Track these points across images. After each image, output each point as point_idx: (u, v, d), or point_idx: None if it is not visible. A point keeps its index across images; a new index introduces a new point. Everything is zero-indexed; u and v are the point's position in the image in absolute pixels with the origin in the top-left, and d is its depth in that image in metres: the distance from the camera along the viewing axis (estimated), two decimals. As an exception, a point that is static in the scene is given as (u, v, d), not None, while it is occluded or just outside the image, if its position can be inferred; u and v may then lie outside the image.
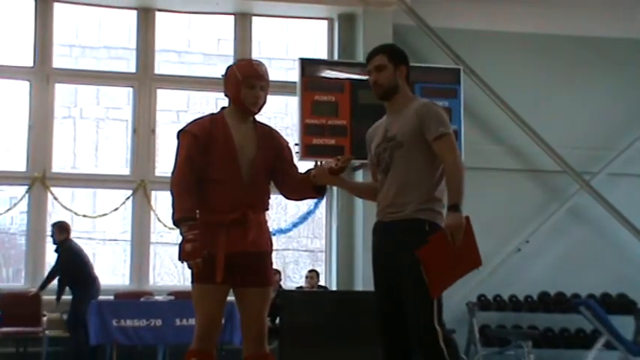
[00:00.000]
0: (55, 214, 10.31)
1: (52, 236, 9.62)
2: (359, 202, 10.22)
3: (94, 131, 11.12)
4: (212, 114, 4.42)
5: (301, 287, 10.14)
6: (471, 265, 4.14)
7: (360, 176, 9.90)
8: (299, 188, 4.41)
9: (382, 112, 4.51)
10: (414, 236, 4.11)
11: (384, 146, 4.30)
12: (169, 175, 4.28)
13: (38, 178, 10.24)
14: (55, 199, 10.28)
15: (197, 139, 4.21)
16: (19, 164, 10.42)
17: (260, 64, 4.38)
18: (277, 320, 8.14)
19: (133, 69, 10.79)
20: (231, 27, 10.98)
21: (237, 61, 4.61)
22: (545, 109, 10.88)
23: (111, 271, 10.52)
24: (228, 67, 4.40)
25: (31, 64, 10.48)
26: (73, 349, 9.28)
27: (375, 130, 4.46)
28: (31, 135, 10.38)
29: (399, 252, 4.16)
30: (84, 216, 10.37)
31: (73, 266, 9.42)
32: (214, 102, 10.57)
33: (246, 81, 4.26)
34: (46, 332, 9.47)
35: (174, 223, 4.14)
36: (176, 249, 4.16)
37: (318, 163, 4.54)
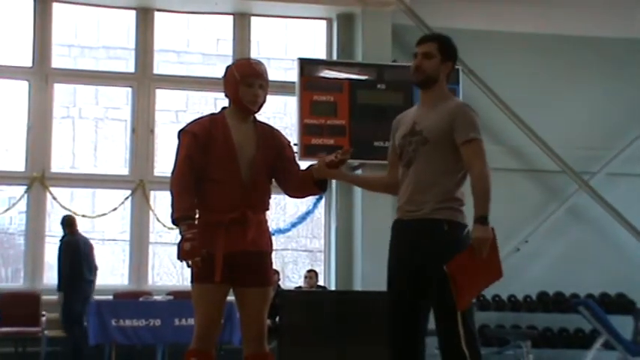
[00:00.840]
0: (54, 214, 10.31)
1: None
2: (358, 203, 10.22)
3: (92, 131, 11.11)
4: (212, 114, 4.41)
5: (300, 287, 10.14)
6: (493, 276, 4.08)
7: (359, 176, 9.90)
8: (301, 185, 4.38)
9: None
10: (433, 237, 4.06)
11: (409, 139, 4.20)
12: (168, 175, 4.27)
13: (37, 178, 10.23)
14: (54, 199, 10.28)
15: (197, 138, 4.21)
16: (18, 164, 10.41)
17: (258, 62, 4.36)
18: (277, 319, 8.15)
19: (131, 69, 10.80)
20: (230, 27, 10.99)
21: (235, 61, 4.60)
22: (544, 109, 10.88)
23: (110, 271, 10.51)
24: (227, 67, 4.39)
25: (30, 64, 10.48)
26: (71, 349, 9.27)
27: (402, 120, 4.35)
28: (30, 135, 10.38)
29: (417, 253, 4.09)
30: (83, 216, 10.36)
31: (65, 262, 9.31)
32: (213, 102, 10.58)
33: (244, 80, 4.24)
34: (45, 332, 9.45)
35: (174, 222, 4.14)
36: (175, 249, 4.16)
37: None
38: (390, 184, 4.36)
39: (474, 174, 4.07)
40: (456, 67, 10.44)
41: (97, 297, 9.37)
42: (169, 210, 4.15)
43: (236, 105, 4.30)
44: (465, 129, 4.09)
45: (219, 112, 4.37)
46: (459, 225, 4.09)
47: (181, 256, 4.09)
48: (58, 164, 10.59)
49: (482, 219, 3.99)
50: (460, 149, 4.09)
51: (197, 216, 4.20)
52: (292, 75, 10.32)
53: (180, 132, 4.29)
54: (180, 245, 4.09)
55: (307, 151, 9.69)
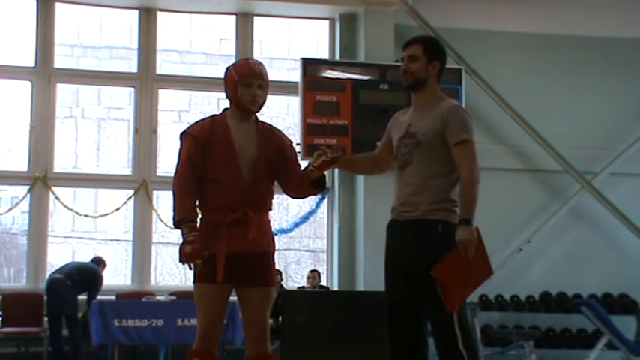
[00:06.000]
0: (56, 214, 10.32)
1: None
2: (361, 202, 10.22)
3: (95, 131, 11.12)
4: (214, 115, 4.43)
5: (303, 287, 10.14)
6: (483, 275, 4.12)
7: (361, 177, 9.88)
8: (299, 186, 4.40)
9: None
10: (427, 238, 4.09)
11: (404, 142, 4.25)
12: (171, 175, 4.30)
13: (40, 178, 10.24)
14: (57, 199, 10.28)
15: (197, 140, 4.23)
16: (21, 164, 10.43)
17: (257, 62, 4.37)
18: (280, 319, 8.15)
19: (134, 69, 10.80)
20: (232, 27, 10.98)
21: (234, 62, 4.61)
22: (547, 108, 10.87)
23: (113, 271, 10.51)
24: (227, 68, 4.41)
25: (32, 64, 10.48)
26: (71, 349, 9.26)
27: (398, 119, 4.41)
28: (32, 135, 10.38)
29: (411, 253, 4.12)
30: (85, 216, 10.38)
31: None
32: (216, 102, 10.59)
33: (242, 80, 4.26)
34: (48, 332, 9.45)
35: (175, 225, 4.16)
36: (177, 249, 4.17)
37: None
38: (376, 160, 4.49)
39: (462, 177, 4.10)
40: (459, 66, 10.56)
41: (99, 297, 9.36)
42: (172, 212, 4.17)
43: (236, 105, 4.32)
44: (457, 130, 4.12)
45: (221, 113, 4.39)
46: (453, 226, 4.11)
47: (182, 258, 4.12)
48: (61, 164, 10.60)
49: (466, 221, 4.00)
50: (452, 151, 4.12)
51: (200, 217, 4.22)
52: (295, 75, 10.33)
53: (181, 135, 4.32)
54: (181, 248, 4.12)
55: (310, 151, 9.67)
